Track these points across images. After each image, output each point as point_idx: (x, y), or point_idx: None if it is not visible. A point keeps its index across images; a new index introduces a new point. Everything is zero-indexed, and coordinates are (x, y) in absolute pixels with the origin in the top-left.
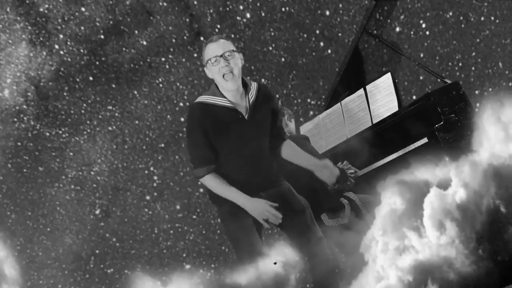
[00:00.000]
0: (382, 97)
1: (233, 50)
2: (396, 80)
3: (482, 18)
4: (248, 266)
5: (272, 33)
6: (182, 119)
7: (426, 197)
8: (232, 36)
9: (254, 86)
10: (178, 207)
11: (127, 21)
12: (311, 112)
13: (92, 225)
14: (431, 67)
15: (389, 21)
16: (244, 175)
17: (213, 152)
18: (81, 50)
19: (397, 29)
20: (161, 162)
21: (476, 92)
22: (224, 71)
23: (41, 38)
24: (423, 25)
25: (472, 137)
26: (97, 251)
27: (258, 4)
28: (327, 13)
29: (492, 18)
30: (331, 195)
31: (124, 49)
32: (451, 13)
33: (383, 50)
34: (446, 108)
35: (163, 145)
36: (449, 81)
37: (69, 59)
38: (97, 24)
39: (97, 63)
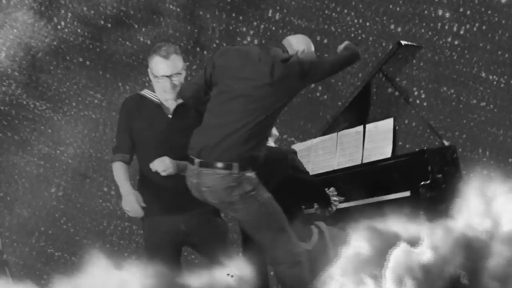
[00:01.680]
0: (378, 140)
1: (181, 70)
2: (397, 128)
3: (483, 104)
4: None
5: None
6: None
7: (393, 249)
8: None
9: None
10: None
11: (133, 14)
12: None
13: (51, 206)
14: (421, 137)
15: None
16: (161, 178)
17: (131, 143)
18: (85, 33)
19: (389, 89)
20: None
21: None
22: (167, 89)
23: (49, 12)
24: (423, 96)
25: (453, 203)
26: (50, 232)
27: (262, 30)
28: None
29: (491, 106)
30: (305, 218)
31: (127, 42)
32: (452, 91)
33: (391, 95)
34: (436, 168)
35: None
36: (446, 143)
37: (71, 39)
38: (101, 9)
39: (98, 49)
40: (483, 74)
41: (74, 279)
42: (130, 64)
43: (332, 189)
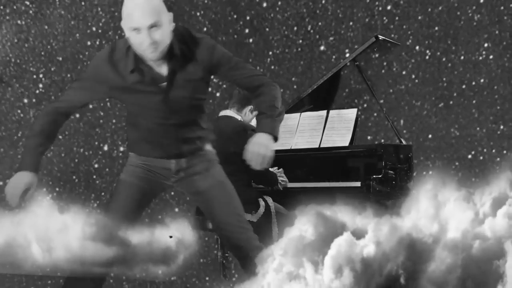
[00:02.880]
0: (339, 128)
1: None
2: (359, 119)
3: (404, 72)
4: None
5: (206, 1)
6: (89, 43)
7: (337, 238)
8: None
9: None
10: None
11: None
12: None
13: None
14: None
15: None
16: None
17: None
18: None
19: (322, 48)
20: (52, 73)
21: (369, 137)
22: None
23: None
24: (347, 54)
25: (403, 201)
26: None
27: None
28: (264, 5)
29: (413, 76)
30: (253, 190)
31: None
32: (377, 55)
33: (359, 85)
34: (389, 164)
35: (60, 58)
36: (404, 142)
37: None
38: None
39: None
40: (413, 45)
41: (16, 214)
42: None
43: (281, 170)
